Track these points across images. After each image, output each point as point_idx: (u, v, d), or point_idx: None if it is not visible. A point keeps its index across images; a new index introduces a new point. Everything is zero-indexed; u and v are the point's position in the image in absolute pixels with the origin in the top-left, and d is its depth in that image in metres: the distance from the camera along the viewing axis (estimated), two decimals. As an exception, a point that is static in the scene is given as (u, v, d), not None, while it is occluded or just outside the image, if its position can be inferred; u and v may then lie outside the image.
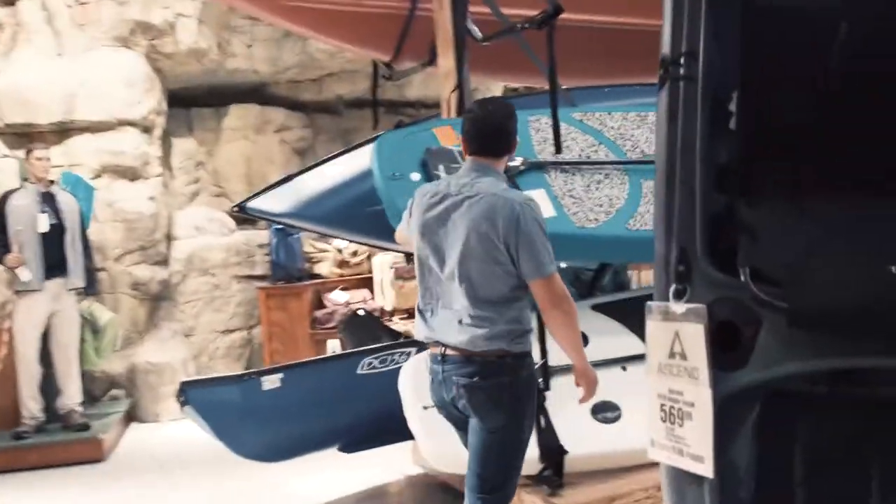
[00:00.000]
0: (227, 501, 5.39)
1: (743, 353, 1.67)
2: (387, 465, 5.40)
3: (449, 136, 4.61)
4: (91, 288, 6.79)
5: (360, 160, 4.95)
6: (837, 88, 1.70)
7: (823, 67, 1.71)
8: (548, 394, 4.27)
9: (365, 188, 4.76)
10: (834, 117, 1.69)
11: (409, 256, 7.18)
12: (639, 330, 4.86)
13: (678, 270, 1.72)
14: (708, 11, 1.74)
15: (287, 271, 8.16)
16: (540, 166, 4.60)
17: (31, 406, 6.49)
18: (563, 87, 4.90)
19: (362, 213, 4.81)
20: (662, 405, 1.73)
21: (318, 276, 8.33)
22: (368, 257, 8.31)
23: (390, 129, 5.04)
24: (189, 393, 4.61)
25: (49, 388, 6.62)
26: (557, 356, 3.86)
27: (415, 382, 4.31)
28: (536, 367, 3.51)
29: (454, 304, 3.21)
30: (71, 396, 6.63)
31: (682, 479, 1.74)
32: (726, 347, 1.67)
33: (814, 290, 1.62)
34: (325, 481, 5.42)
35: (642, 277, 9.03)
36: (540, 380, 4.05)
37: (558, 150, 4.56)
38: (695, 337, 1.65)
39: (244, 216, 5.46)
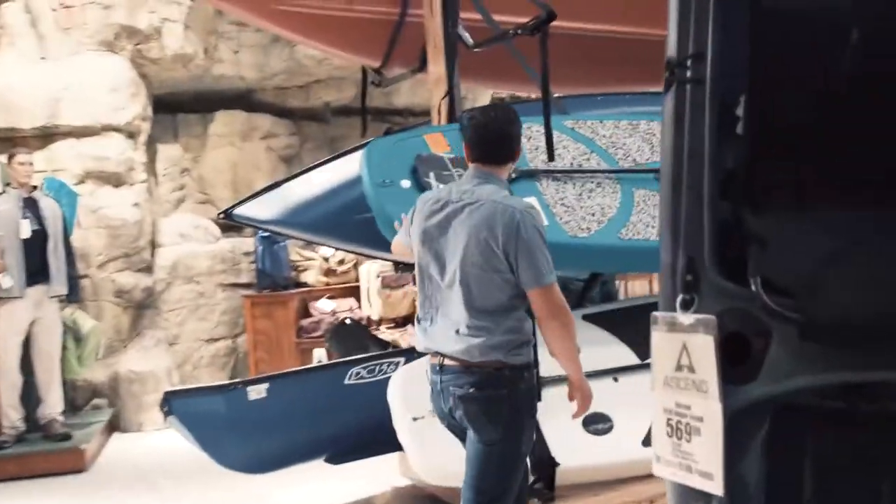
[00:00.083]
0: (210, 513, 5.32)
1: (752, 366, 1.61)
2: (374, 476, 5.33)
3: (440, 143, 4.56)
4: (74, 295, 6.70)
5: (348, 167, 4.89)
6: (850, 91, 1.65)
7: (835, 70, 1.66)
8: (539, 405, 4.21)
9: (353, 195, 4.71)
10: (847, 121, 1.64)
11: (397, 265, 7.15)
12: (630, 340, 4.89)
13: (685, 280, 1.66)
14: (716, 12, 1.68)
15: (273, 279, 8.09)
16: (531, 174, 4.56)
17: (12, 415, 6.38)
18: (555, 94, 4.85)
19: (351, 220, 4.76)
20: (668, 420, 1.67)
21: (304, 284, 8.27)
22: (355, 266, 8.25)
23: (380, 136, 4.98)
24: (173, 403, 4.55)
25: (30, 396, 6.52)
26: (549, 366, 3.81)
27: (404, 393, 4.27)
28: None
29: (452, 313, 3.16)
30: (52, 405, 6.53)
31: (689, 497, 1.68)
32: (735, 360, 1.61)
33: (827, 301, 1.56)
34: (310, 493, 5.35)
35: (629, 288, 9.03)
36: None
37: (551, 157, 4.51)
38: (704, 349, 1.59)
39: (230, 223, 5.38)
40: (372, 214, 4.38)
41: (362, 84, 5.80)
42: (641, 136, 5.02)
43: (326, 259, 8.28)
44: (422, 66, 5.18)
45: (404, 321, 7.96)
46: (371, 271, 7.91)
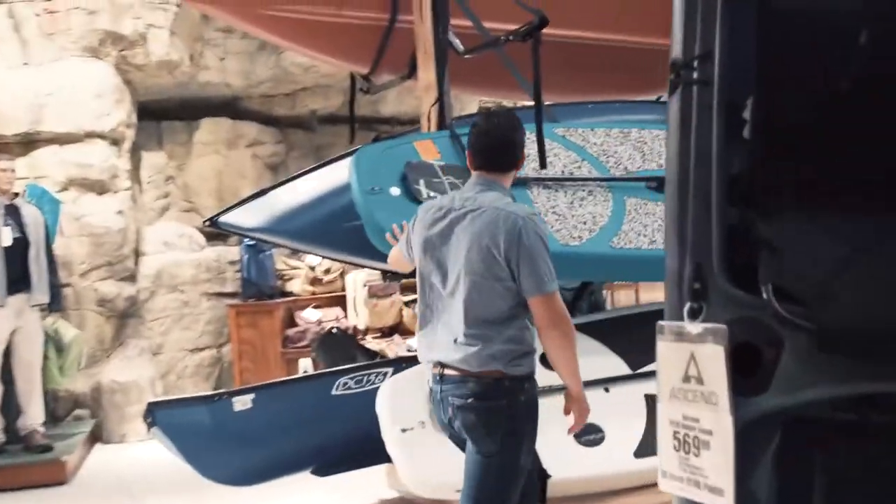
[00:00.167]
0: (194, 526, 5.23)
1: (763, 377, 1.55)
2: (361, 488, 5.25)
3: (430, 151, 4.52)
4: (55, 304, 6.60)
5: (336, 174, 4.84)
6: (864, 92, 1.60)
7: (846, 70, 1.61)
8: (530, 416, 4.17)
9: (341, 203, 4.66)
10: (859, 123, 1.59)
11: (384, 274, 7.08)
12: (621, 350, 4.84)
13: (693, 288, 1.60)
14: (724, 12, 1.63)
15: (258, 288, 8.00)
16: (523, 182, 4.50)
17: (-9, 426, 6.28)
18: (545, 102, 4.81)
19: (339, 228, 4.70)
20: (676, 433, 1.61)
21: (289, 293, 8.18)
22: (341, 275, 8.18)
23: (368, 143, 4.93)
24: (157, 414, 4.48)
25: (10, 407, 6.40)
26: (540, 376, 3.76)
27: (392, 404, 4.21)
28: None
29: (453, 322, 3.11)
30: (33, 416, 6.41)
31: (697, 513, 1.61)
32: (745, 371, 1.56)
33: (841, 309, 1.51)
34: (296, 505, 5.27)
35: (614, 298, 9.00)
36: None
37: (543, 165, 4.46)
38: (713, 359, 1.53)
39: (215, 232, 5.30)
40: (360, 222, 4.33)
41: (351, 91, 5.75)
42: (633, 145, 4.99)
43: (312, 268, 8.20)
44: (411, 72, 5.14)
45: (391, 331, 7.90)
46: (357, 280, 7.84)
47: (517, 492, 3.14)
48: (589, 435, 4.39)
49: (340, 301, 8.08)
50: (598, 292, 6.64)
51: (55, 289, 6.57)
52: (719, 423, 1.52)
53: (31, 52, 7.45)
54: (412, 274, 3.82)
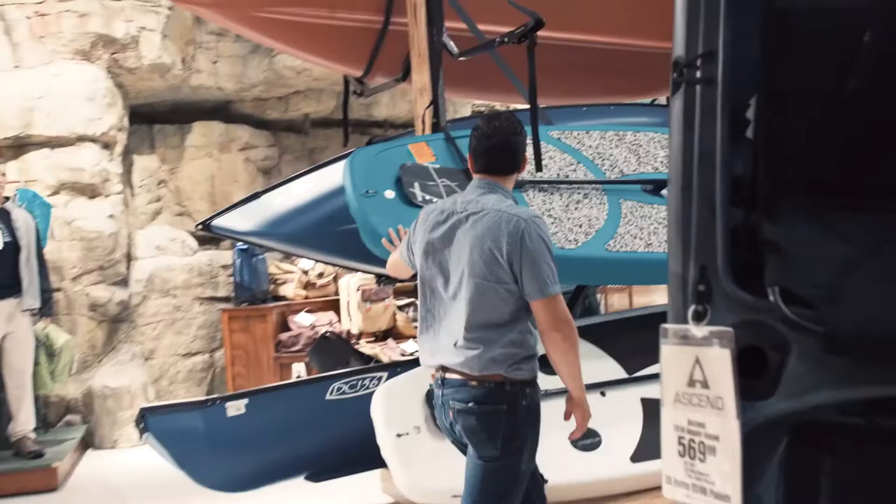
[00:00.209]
0: (187, 533, 5.17)
1: (769, 380, 1.52)
2: (356, 494, 5.21)
3: (424, 153, 4.49)
4: (46, 309, 6.54)
5: (330, 177, 4.81)
6: (872, 91, 1.57)
7: (853, 68, 1.59)
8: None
9: (335, 206, 4.63)
10: (868, 122, 1.56)
11: (378, 278, 7.04)
12: (617, 354, 4.82)
13: (697, 290, 1.57)
14: (727, 8, 1.60)
15: (251, 293, 7.96)
16: (518, 185, 4.46)
17: (-19, 433, 6.23)
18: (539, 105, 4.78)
19: (332, 231, 4.67)
20: (680, 438, 1.57)
21: (282, 297, 8.14)
22: (335, 279, 8.15)
23: (363, 146, 4.89)
24: (149, 419, 4.44)
25: (0, 413, 6.36)
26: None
27: (387, 409, 4.18)
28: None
29: (454, 326, 3.08)
30: (24, 422, 6.35)
31: (703, 520, 1.58)
32: (751, 375, 1.53)
33: (849, 312, 1.48)
34: (290, 512, 5.23)
35: (609, 301, 8.98)
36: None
37: (539, 168, 4.43)
38: (719, 363, 1.50)
39: (207, 235, 5.25)
40: (355, 225, 4.30)
41: (344, 93, 5.71)
42: (628, 147, 4.96)
43: (306, 272, 8.17)
44: (405, 75, 5.10)
45: (384, 335, 7.87)
46: (351, 284, 7.80)
47: (517, 498, 3.11)
48: (585, 439, 4.35)
49: (334, 305, 8.05)
50: (592, 296, 6.62)
51: (46, 293, 6.51)
52: (726, 428, 1.49)
53: (21, 56, 7.40)
54: (406, 278, 3.78)
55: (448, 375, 3.10)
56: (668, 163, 1.71)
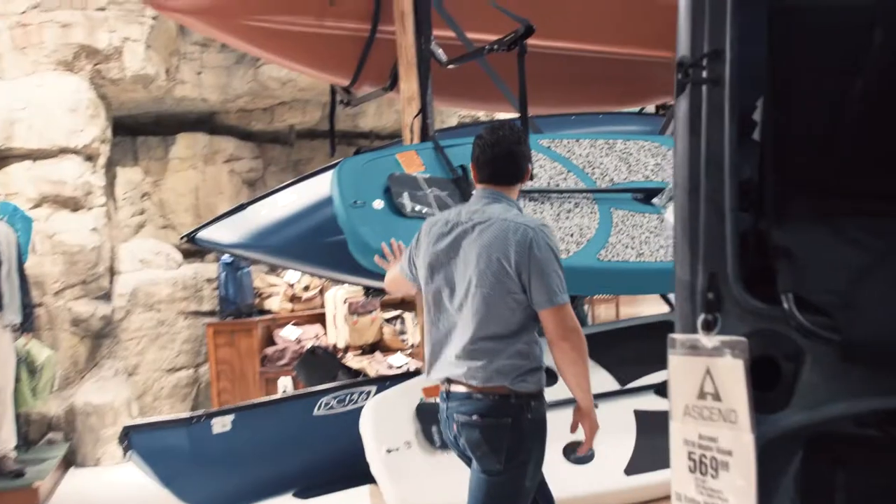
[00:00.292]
0: (172, 552, 5.07)
1: (783, 392, 1.46)
2: (344, 510, 5.14)
3: (413, 162, 4.43)
4: (28, 324, 6.42)
5: (318, 188, 4.75)
6: (883, 91, 1.51)
7: (865, 67, 1.53)
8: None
9: (323, 217, 4.57)
10: (882, 123, 1.50)
11: (366, 290, 6.97)
12: (610, 365, 4.75)
13: (707, 298, 1.50)
14: (733, 6, 1.54)
15: (236, 307, 7.86)
16: (508, 194, 4.42)
17: (-39, 451, 6.10)
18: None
19: (320, 243, 4.61)
20: (691, 453, 1.51)
21: (268, 311, 8.06)
22: (321, 292, 8.07)
23: (350, 156, 4.83)
24: (133, 437, 4.37)
25: (-20, 431, 6.22)
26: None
27: (377, 424, 4.12)
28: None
29: (460, 337, 3.04)
30: (4, 440, 6.22)
31: (716, 539, 1.51)
32: (763, 386, 1.46)
33: (865, 319, 1.42)
34: (278, 529, 5.14)
35: (596, 312, 8.92)
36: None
37: (531, 177, 4.36)
38: (732, 374, 1.43)
39: (192, 249, 5.17)
40: (343, 236, 4.23)
41: (331, 103, 5.65)
42: (618, 156, 4.92)
43: (291, 285, 8.09)
44: (392, 84, 5.05)
45: (372, 348, 7.79)
46: (337, 297, 7.72)
47: None
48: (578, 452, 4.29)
49: (320, 318, 7.97)
50: (580, 307, 6.57)
51: (27, 309, 6.41)
52: (739, 443, 1.42)
53: (3, 67, 7.31)
54: (404, 294, 3.71)
55: (453, 388, 3.06)
56: (673, 166, 1.64)
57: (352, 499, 4.92)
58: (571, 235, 4.43)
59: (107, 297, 7.55)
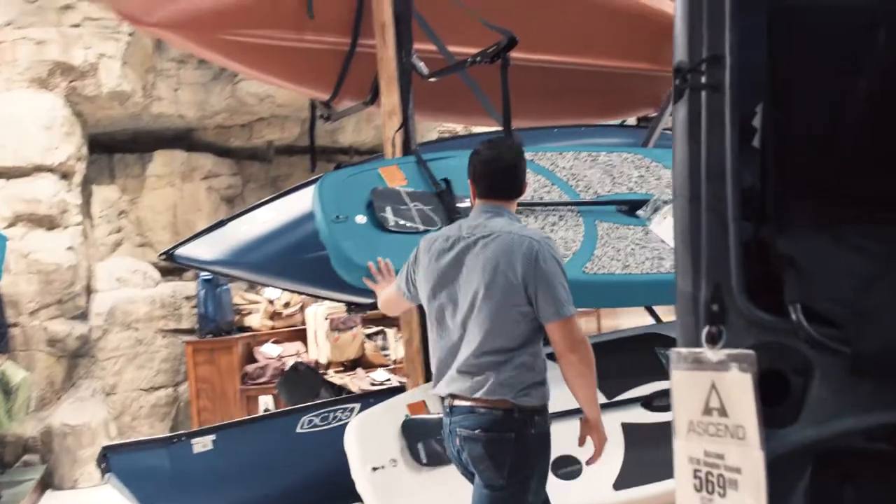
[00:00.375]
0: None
1: (791, 406, 1.41)
2: (329, 530, 5.05)
3: (395, 177, 4.39)
4: (2, 345, 6.36)
5: (298, 203, 4.70)
6: (888, 95, 1.48)
7: (867, 72, 1.50)
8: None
9: (304, 233, 4.52)
10: (887, 127, 1.47)
11: (348, 306, 6.91)
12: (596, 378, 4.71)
13: (711, 310, 1.45)
14: (732, 9, 1.50)
15: (216, 324, 7.76)
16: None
17: (-66, 476, 5.99)
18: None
19: (302, 259, 4.55)
20: (696, 471, 1.45)
21: (248, 328, 7.96)
22: (301, 308, 7.99)
23: (332, 171, 4.78)
24: (112, 458, 4.31)
25: (-46, 455, 6.12)
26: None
27: (362, 441, 4.06)
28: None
29: (463, 351, 3.01)
30: (-21, 464, 6.14)
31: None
32: (771, 400, 1.41)
33: (874, 330, 1.38)
34: (261, 550, 5.06)
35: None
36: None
37: (523, 190, 4.34)
38: (739, 388, 1.38)
39: (170, 266, 5.10)
40: (325, 252, 4.18)
41: (311, 118, 5.60)
42: (602, 168, 4.90)
43: (271, 301, 8.01)
44: (373, 98, 5.00)
45: (353, 364, 7.71)
46: (318, 313, 7.65)
47: None
48: (566, 467, 4.24)
49: (301, 335, 7.89)
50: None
51: (2, 329, 6.36)
52: (748, 459, 1.37)
53: (-24, 84, 7.22)
54: (374, 306, 3.66)
55: (456, 403, 3.04)
56: (672, 174, 1.60)
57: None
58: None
59: (83, 316, 7.45)
